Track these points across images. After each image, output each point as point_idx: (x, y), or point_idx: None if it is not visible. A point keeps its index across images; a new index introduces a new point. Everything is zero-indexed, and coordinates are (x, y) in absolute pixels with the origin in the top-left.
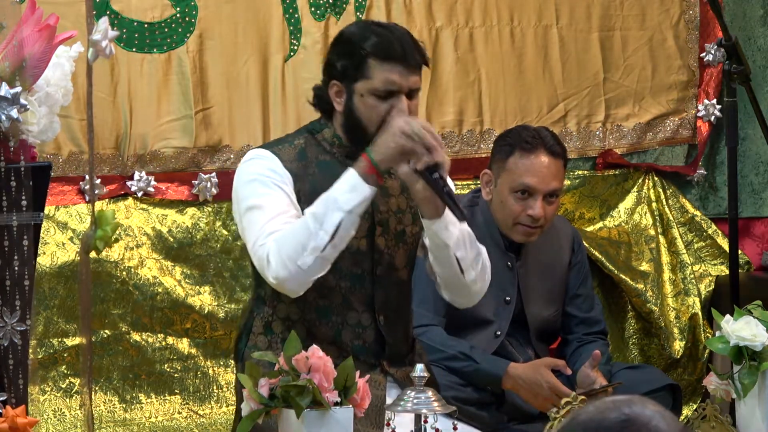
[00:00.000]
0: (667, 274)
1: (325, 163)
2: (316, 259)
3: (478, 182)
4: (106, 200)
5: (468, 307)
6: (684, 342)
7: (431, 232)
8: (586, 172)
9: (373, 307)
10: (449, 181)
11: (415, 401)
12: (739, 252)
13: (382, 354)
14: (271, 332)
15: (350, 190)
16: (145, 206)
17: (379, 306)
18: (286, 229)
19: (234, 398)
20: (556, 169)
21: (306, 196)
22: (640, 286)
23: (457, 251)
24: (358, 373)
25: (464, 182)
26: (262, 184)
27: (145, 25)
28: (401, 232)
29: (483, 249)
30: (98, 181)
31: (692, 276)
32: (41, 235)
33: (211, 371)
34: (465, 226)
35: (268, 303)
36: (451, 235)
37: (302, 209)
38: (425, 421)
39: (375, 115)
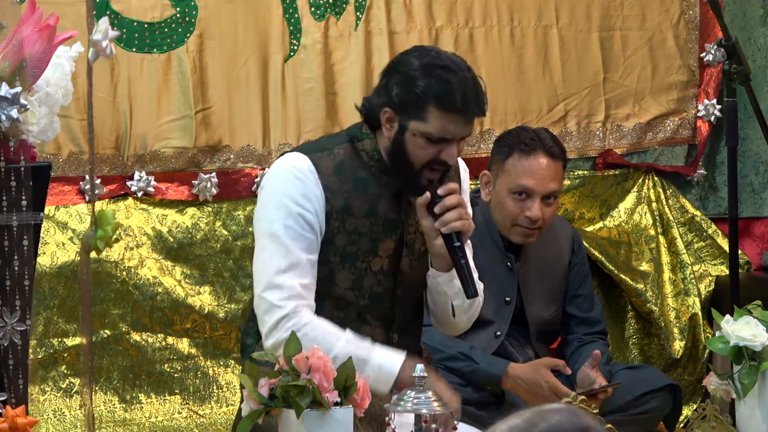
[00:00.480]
0: (667, 274)
1: (362, 180)
2: None
3: (478, 182)
4: (106, 200)
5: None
6: (684, 342)
7: (434, 281)
8: (586, 172)
9: (388, 325)
10: (468, 250)
11: (415, 401)
12: (739, 252)
13: None
14: None
15: (376, 381)
16: (145, 206)
17: (397, 326)
18: (318, 329)
19: (234, 398)
20: (554, 171)
21: (338, 213)
22: (640, 286)
23: (455, 300)
24: (357, 374)
25: None
26: (289, 214)
27: (145, 25)
28: (424, 252)
29: (480, 286)
30: (98, 181)
31: (692, 276)
32: (41, 235)
33: (211, 371)
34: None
35: None
36: (453, 287)
37: (332, 225)
38: (425, 421)
39: (423, 156)
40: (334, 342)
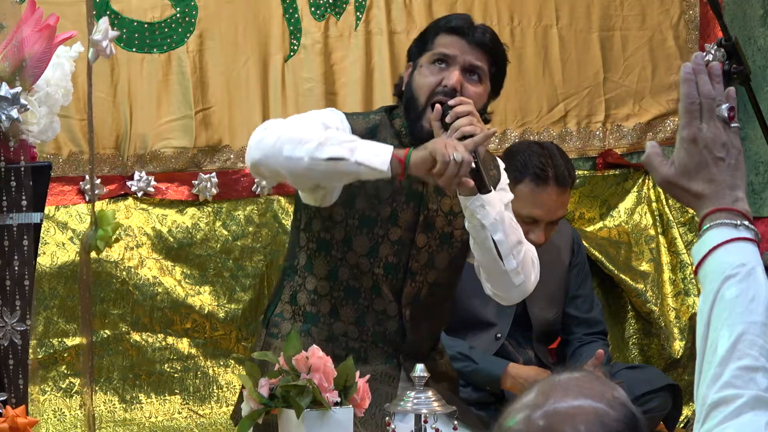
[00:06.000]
0: (667, 274)
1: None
2: (293, 158)
3: None
4: (106, 200)
5: (511, 303)
6: (684, 342)
7: (468, 213)
8: (586, 172)
9: (399, 300)
10: (500, 164)
11: (415, 401)
12: None
13: (401, 346)
14: (295, 302)
15: (374, 154)
16: (145, 206)
17: (406, 300)
18: (304, 121)
19: (234, 398)
20: (563, 200)
21: None
22: (640, 286)
23: (495, 234)
24: (358, 374)
25: None
26: (319, 114)
27: (145, 25)
28: (448, 234)
29: (532, 249)
30: (98, 181)
31: (692, 276)
32: (41, 235)
33: (211, 371)
34: (509, 214)
35: (299, 273)
36: (487, 215)
37: (353, 184)
38: (425, 421)
39: (425, 84)
40: (316, 132)
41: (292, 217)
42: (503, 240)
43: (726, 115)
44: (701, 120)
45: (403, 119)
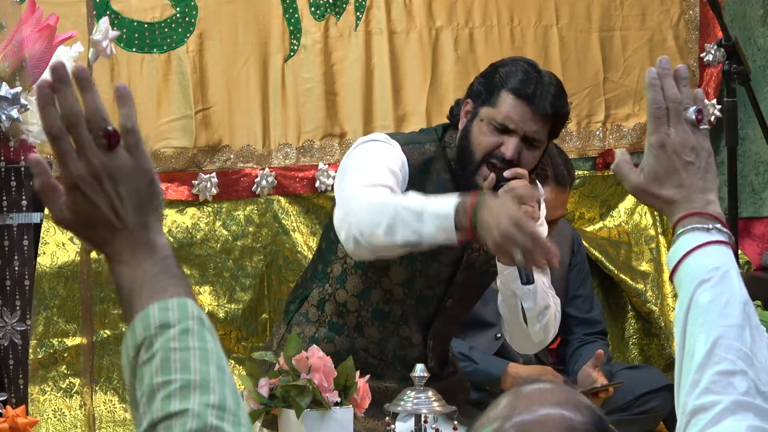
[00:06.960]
0: (667, 274)
1: (443, 183)
2: (377, 246)
3: None
4: None
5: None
6: None
7: (503, 278)
8: (586, 172)
9: (426, 330)
10: (541, 190)
11: (415, 401)
12: (739, 252)
13: None
14: (322, 309)
15: (438, 229)
16: None
17: (433, 332)
18: (374, 199)
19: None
20: (562, 200)
21: None
22: (640, 286)
23: (525, 302)
24: (358, 373)
25: None
26: (375, 155)
27: (145, 25)
28: (484, 272)
29: (557, 302)
30: None
31: None
32: (41, 235)
33: None
34: (542, 278)
35: (331, 282)
36: (521, 286)
37: None
38: (425, 421)
39: (482, 144)
40: (394, 203)
41: (327, 221)
42: (531, 308)
43: (694, 117)
44: (669, 125)
45: (454, 151)
